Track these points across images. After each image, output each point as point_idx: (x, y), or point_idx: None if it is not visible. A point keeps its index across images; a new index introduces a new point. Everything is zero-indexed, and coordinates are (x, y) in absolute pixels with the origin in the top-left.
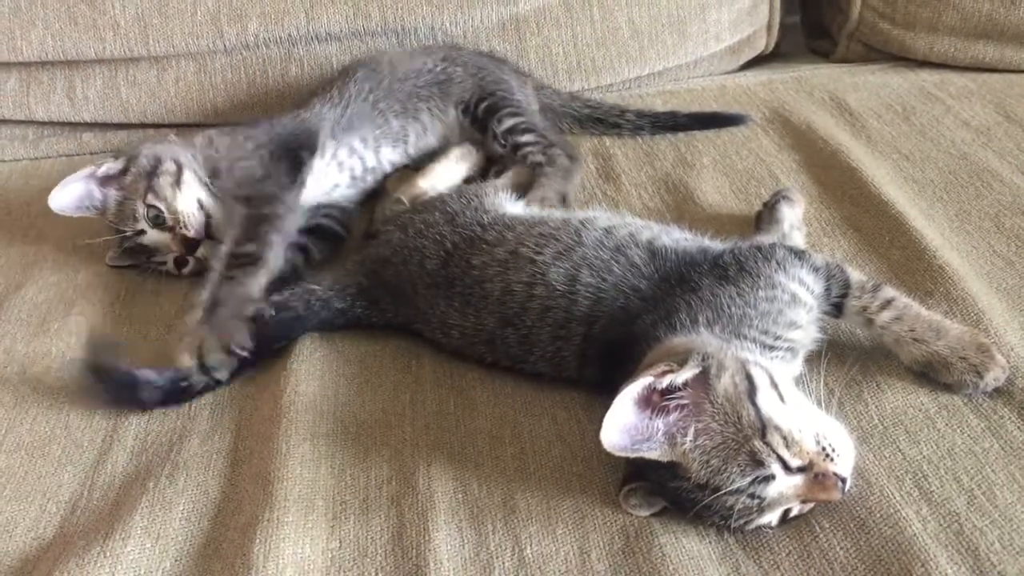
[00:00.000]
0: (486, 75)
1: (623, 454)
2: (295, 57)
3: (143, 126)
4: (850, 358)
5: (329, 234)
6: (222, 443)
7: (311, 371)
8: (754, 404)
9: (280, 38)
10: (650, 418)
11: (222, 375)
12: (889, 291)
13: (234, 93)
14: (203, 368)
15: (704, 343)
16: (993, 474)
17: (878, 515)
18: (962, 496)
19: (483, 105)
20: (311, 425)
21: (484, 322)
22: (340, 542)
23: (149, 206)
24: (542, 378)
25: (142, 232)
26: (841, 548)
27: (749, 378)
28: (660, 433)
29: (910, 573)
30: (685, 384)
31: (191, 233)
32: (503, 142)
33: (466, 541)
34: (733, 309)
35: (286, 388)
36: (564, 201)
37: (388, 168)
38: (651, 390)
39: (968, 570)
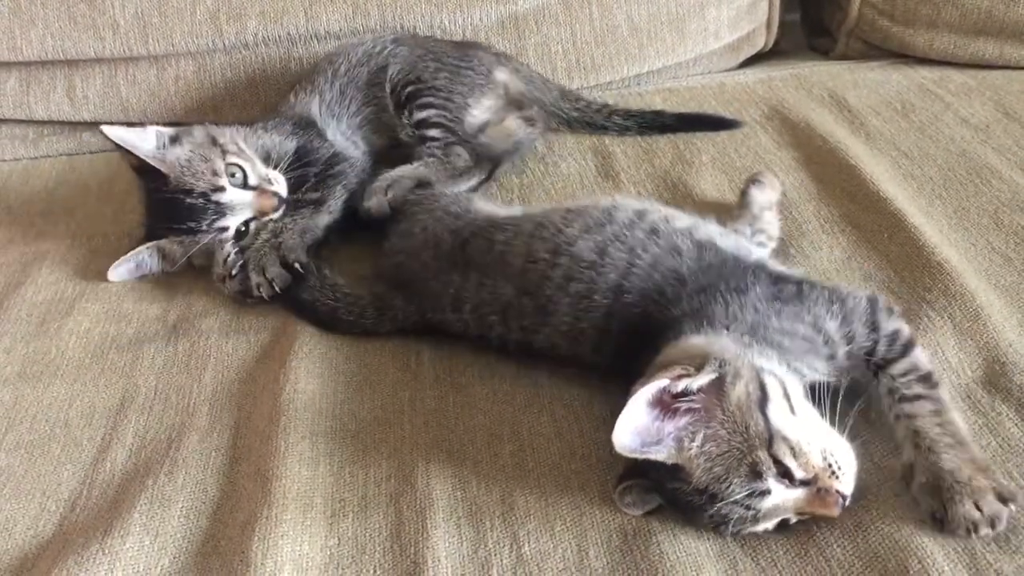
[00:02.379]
0: (429, 58)
1: (632, 455)
2: (294, 56)
3: (143, 125)
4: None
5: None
6: (221, 441)
7: (310, 369)
8: (764, 414)
9: (279, 37)
10: (661, 420)
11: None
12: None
13: (234, 92)
14: (262, 275)
15: (723, 348)
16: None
17: (875, 512)
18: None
19: (408, 89)
20: (310, 423)
21: (501, 291)
22: (339, 539)
23: (230, 164)
24: (544, 367)
25: (220, 189)
26: (839, 546)
27: (762, 387)
28: (670, 436)
29: (907, 571)
30: (699, 388)
31: (283, 192)
32: (411, 132)
33: (464, 538)
34: (770, 329)
35: (285, 386)
36: (423, 187)
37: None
38: (665, 392)
39: (965, 568)
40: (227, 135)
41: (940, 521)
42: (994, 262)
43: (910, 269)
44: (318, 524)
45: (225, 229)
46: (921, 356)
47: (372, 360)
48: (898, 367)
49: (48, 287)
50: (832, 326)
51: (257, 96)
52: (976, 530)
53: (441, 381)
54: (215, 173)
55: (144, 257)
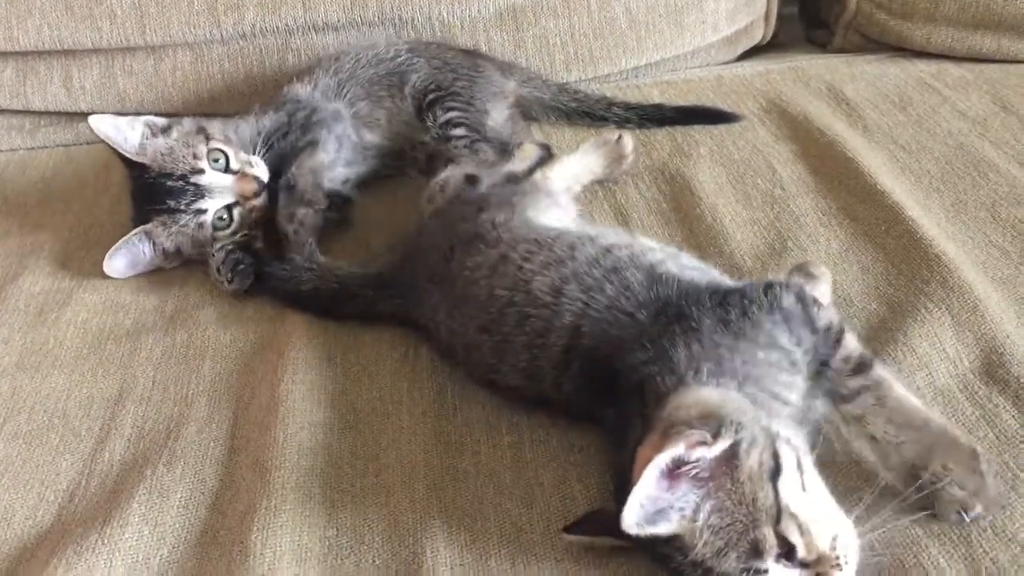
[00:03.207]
0: (449, 68)
1: (637, 532)
2: (292, 47)
3: (138, 116)
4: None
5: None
6: (219, 431)
7: (308, 360)
8: (775, 487)
9: (277, 28)
10: (668, 490)
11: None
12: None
13: (231, 83)
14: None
15: (738, 409)
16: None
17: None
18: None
19: (430, 96)
20: (308, 414)
21: (465, 326)
22: (337, 529)
23: (212, 149)
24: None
25: (198, 171)
26: None
27: (776, 456)
28: (675, 507)
29: (902, 563)
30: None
31: (263, 175)
32: (437, 134)
33: (463, 528)
34: (736, 363)
35: (283, 377)
36: (473, 183)
37: (374, 151)
38: (677, 460)
39: (960, 558)
40: (216, 125)
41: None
42: (991, 255)
43: (908, 261)
44: (317, 514)
45: (203, 211)
46: (851, 341)
47: (370, 351)
48: (834, 362)
49: (45, 278)
50: (784, 339)
51: (255, 88)
52: (967, 510)
53: (439, 372)
54: (195, 156)
55: (135, 243)
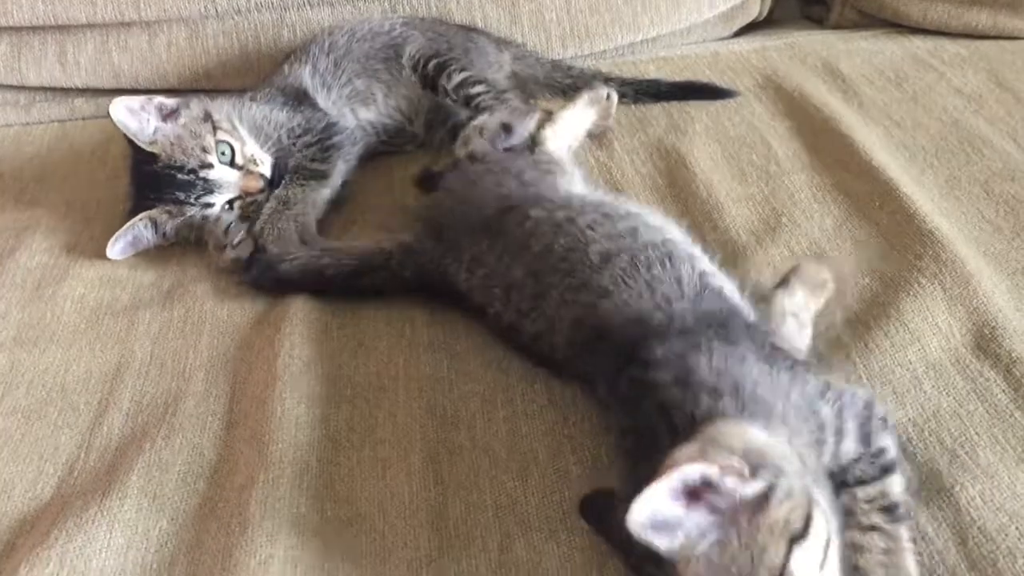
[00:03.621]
0: (444, 39)
1: (636, 534)
2: (287, 22)
3: (135, 92)
4: (837, 318)
5: None
6: (217, 405)
7: (305, 335)
8: (789, 551)
9: (272, 3)
10: (684, 505)
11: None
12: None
13: (226, 59)
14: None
15: (781, 455)
16: (976, 436)
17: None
18: (944, 456)
19: (433, 62)
20: (306, 388)
21: (513, 270)
22: (335, 502)
23: (220, 141)
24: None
25: (208, 166)
26: None
27: (807, 521)
28: (680, 528)
29: None
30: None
31: (267, 172)
32: (455, 97)
33: (460, 500)
34: (782, 410)
35: (280, 352)
36: (507, 131)
37: (368, 128)
38: (703, 479)
39: (948, 525)
40: (223, 110)
41: None
42: (984, 230)
43: (901, 237)
44: (314, 487)
45: (211, 205)
46: (897, 483)
47: (367, 326)
48: (868, 491)
49: (42, 253)
50: (826, 411)
51: (249, 64)
52: None
53: (436, 348)
54: (205, 150)
55: (140, 229)
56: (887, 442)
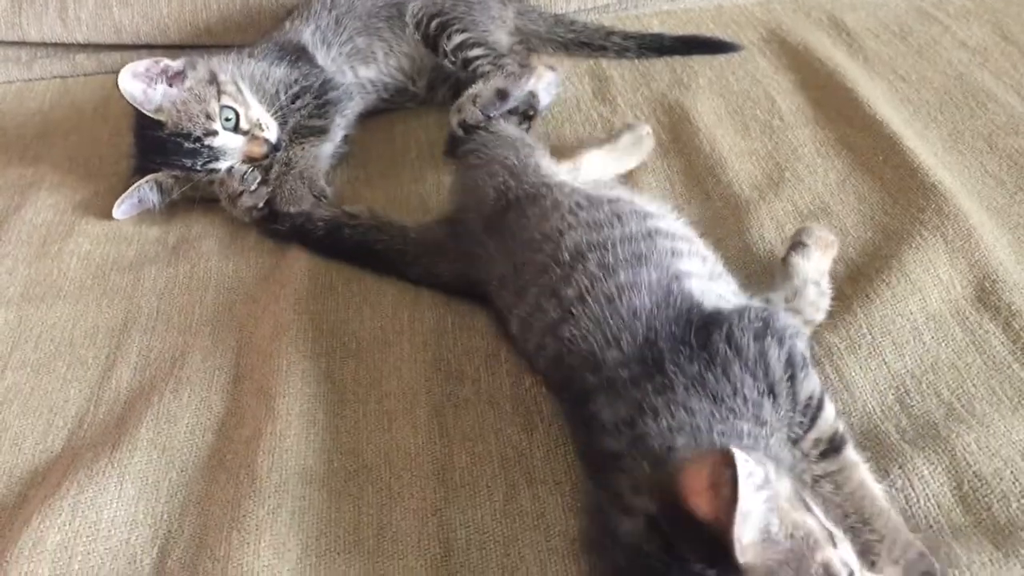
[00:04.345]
0: None
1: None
2: None
3: (136, 47)
4: (840, 271)
5: None
6: (224, 360)
7: (311, 290)
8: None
9: None
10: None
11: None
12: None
13: (227, 14)
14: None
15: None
16: (974, 388)
17: (859, 431)
18: (941, 408)
19: (435, 22)
20: (311, 343)
21: (505, 263)
22: (341, 454)
23: (224, 107)
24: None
25: (212, 133)
26: None
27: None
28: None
29: (887, 473)
30: None
31: (272, 137)
32: (453, 59)
33: (466, 453)
34: (714, 430)
35: (286, 307)
36: (502, 97)
37: (368, 86)
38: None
39: (944, 470)
40: (227, 70)
41: None
42: (987, 184)
43: (904, 191)
44: (321, 439)
45: (216, 171)
46: (829, 413)
47: (371, 282)
48: (805, 446)
49: (47, 209)
50: (768, 408)
51: (251, 19)
52: None
53: (440, 304)
54: (209, 117)
55: (145, 191)
56: (811, 385)
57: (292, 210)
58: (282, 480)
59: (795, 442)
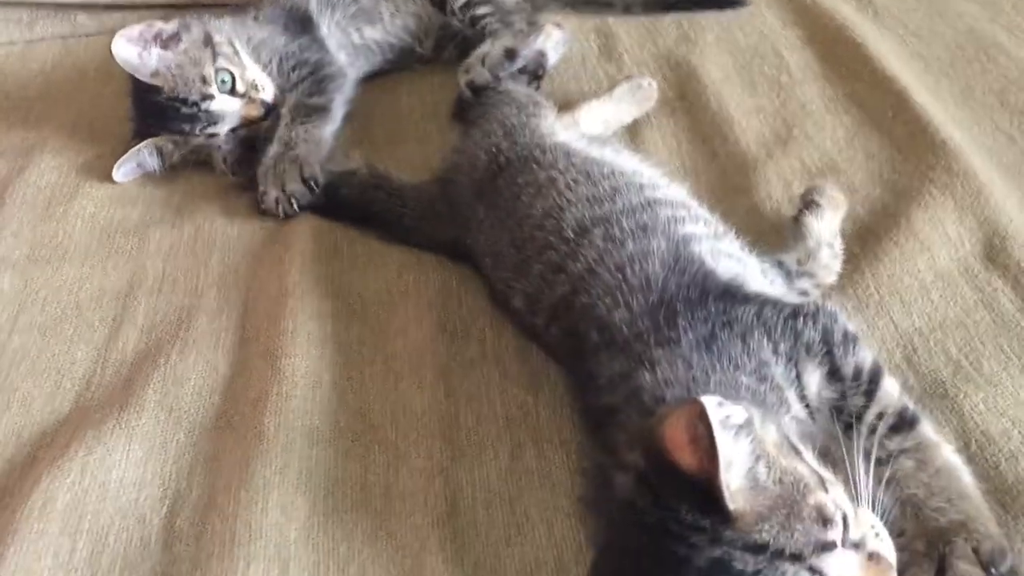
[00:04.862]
0: None
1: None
2: None
3: (135, 7)
4: (848, 230)
5: None
6: (230, 321)
7: (315, 253)
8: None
9: None
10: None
11: (291, 206)
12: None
13: None
14: (281, 190)
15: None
16: (981, 346)
17: None
18: (949, 367)
19: None
20: (316, 304)
21: (500, 237)
22: (347, 414)
23: (219, 69)
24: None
25: (209, 97)
26: None
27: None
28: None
29: None
30: None
31: (269, 98)
32: (461, 17)
33: (472, 412)
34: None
35: (290, 269)
36: (511, 57)
37: (374, 47)
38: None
39: (951, 429)
40: (223, 31)
41: None
42: (998, 140)
43: (913, 147)
44: (327, 400)
45: (215, 135)
46: (889, 390)
47: (376, 243)
48: (868, 420)
49: (51, 171)
50: (780, 375)
51: None
52: None
53: (444, 265)
54: (204, 81)
55: (144, 155)
56: (860, 357)
57: (270, 198)
58: (289, 440)
59: (858, 417)
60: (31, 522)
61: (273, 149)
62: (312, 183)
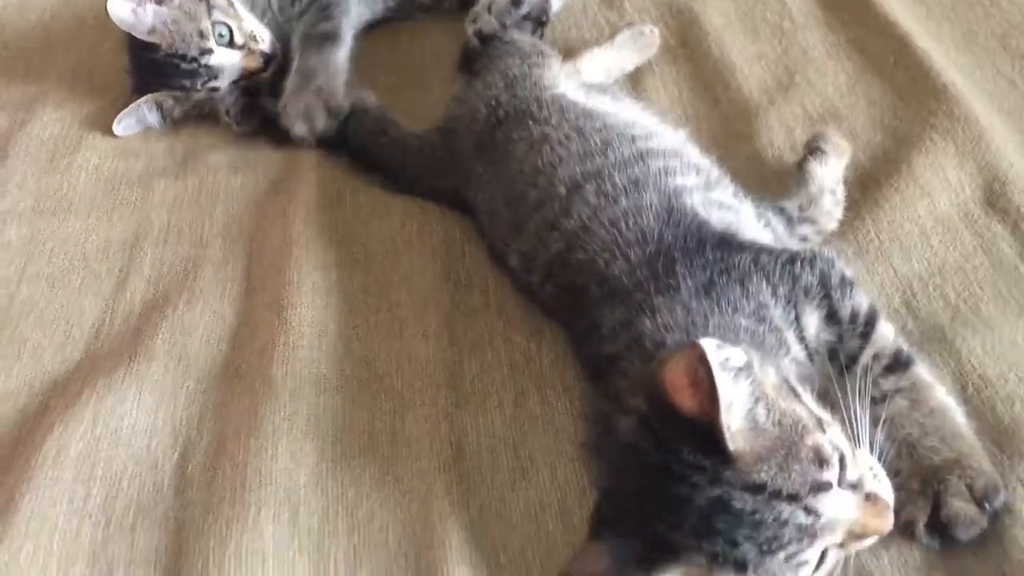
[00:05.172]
0: None
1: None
2: None
3: None
4: (849, 176)
5: None
6: (235, 272)
7: (319, 202)
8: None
9: None
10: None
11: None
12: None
13: None
14: (309, 123)
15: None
16: (980, 291)
17: None
18: (948, 311)
19: None
20: (321, 254)
21: (496, 194)
22: (353, 362)
23: (216, 23)
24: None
25: (208, 52)
26: None
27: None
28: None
29: None
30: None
31: (267, 48)
32: None
33: (476, 360)
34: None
35: (295, 219)
36: (516, 3)
37: None
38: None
39: (949, 373)
40: None
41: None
42: (999, 85)
43: (915, 93)
44: (333, 348)
45: (217, 89)
46: (886, 331)
47: (379, 193)
48: (864, 361)
49: (54, 123)
50: (779, 317)
51: None
52: (962, 526)
53: (448, 214)
54: (202, 35)
55: (144, 111)
56: (856, 301)
57: (299, 131)
58: (296, 388)
59: (853, 358)
60: (45, 470)
61: (292, 81)
62: (338, 114)
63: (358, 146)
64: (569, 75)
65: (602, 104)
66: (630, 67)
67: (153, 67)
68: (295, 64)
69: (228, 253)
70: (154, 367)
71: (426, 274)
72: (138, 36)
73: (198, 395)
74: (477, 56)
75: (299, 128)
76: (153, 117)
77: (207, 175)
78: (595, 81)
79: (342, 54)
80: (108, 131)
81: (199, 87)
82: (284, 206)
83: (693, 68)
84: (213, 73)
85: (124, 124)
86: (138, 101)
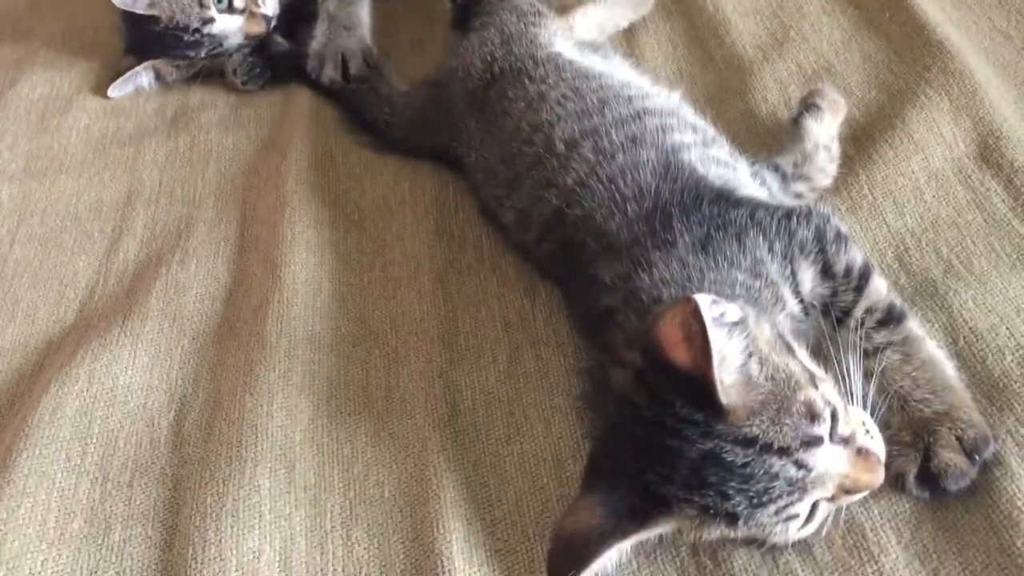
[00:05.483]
0: None
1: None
2: None
3: None
4: (843, 132)
5: None
6: (228, 231)
7: (311, 161)
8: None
9: None
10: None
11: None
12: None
13: None
14: (346, 77)
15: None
16: (972, 245)
17: None
18: (940, 266)
19: None
20: (314, 213)
21: (490, 152)
22: (347, 320)
23: None
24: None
25: (209, 21)
26: None
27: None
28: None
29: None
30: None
31: (270, 11)
32: None
33: (470, 317)
34: (704, 286)
35: (287, 178)
36: None
37: None
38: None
39: (941, 326)
40: None
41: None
42: (995, 40)
43: (910, 48)
44: (327, 306)
45: (222, 55)
46: (879, 285)
47: (370, 152)
48: (857, 314)
49: (44, 84)
50: (775, 271)
51: None
52: (954, 475)
53: (440, 173)
54: (202, 4)
55: (142, 77)
56: (851, 256)
57: (330, 73)
58: (291, 346)
59: (847, 312)
60: (42, 428)
61: (325, 28)
62: (374, 62)
63: (347, 98)
64: (564, 33)
65: (596, 64)
66: (624, 24)
67: (154, 38)
68: (326, 12)
69: (221, 212)
70: (149, 326)
71: (419, 232)
72: (138, 11)
73: (193, 353)
74: (470, 14)
75: (330, 71)
76: (151, 80)
77: (198, 134)
78: (588, 38)
79: (365, 6)
80: (98, 91)
81: (203, 56)
82: (277, 165)
83: (687, 24)
84: (216, 41)
85: (120, 89)
86: (138, 68)
